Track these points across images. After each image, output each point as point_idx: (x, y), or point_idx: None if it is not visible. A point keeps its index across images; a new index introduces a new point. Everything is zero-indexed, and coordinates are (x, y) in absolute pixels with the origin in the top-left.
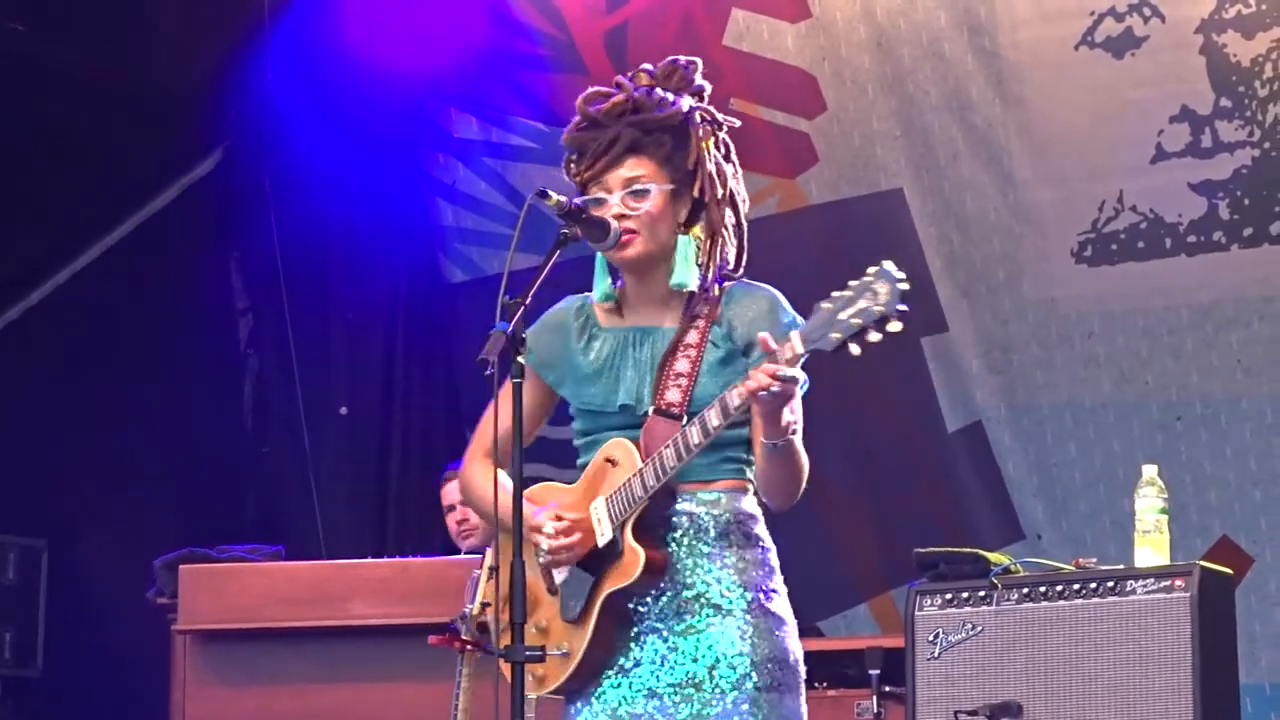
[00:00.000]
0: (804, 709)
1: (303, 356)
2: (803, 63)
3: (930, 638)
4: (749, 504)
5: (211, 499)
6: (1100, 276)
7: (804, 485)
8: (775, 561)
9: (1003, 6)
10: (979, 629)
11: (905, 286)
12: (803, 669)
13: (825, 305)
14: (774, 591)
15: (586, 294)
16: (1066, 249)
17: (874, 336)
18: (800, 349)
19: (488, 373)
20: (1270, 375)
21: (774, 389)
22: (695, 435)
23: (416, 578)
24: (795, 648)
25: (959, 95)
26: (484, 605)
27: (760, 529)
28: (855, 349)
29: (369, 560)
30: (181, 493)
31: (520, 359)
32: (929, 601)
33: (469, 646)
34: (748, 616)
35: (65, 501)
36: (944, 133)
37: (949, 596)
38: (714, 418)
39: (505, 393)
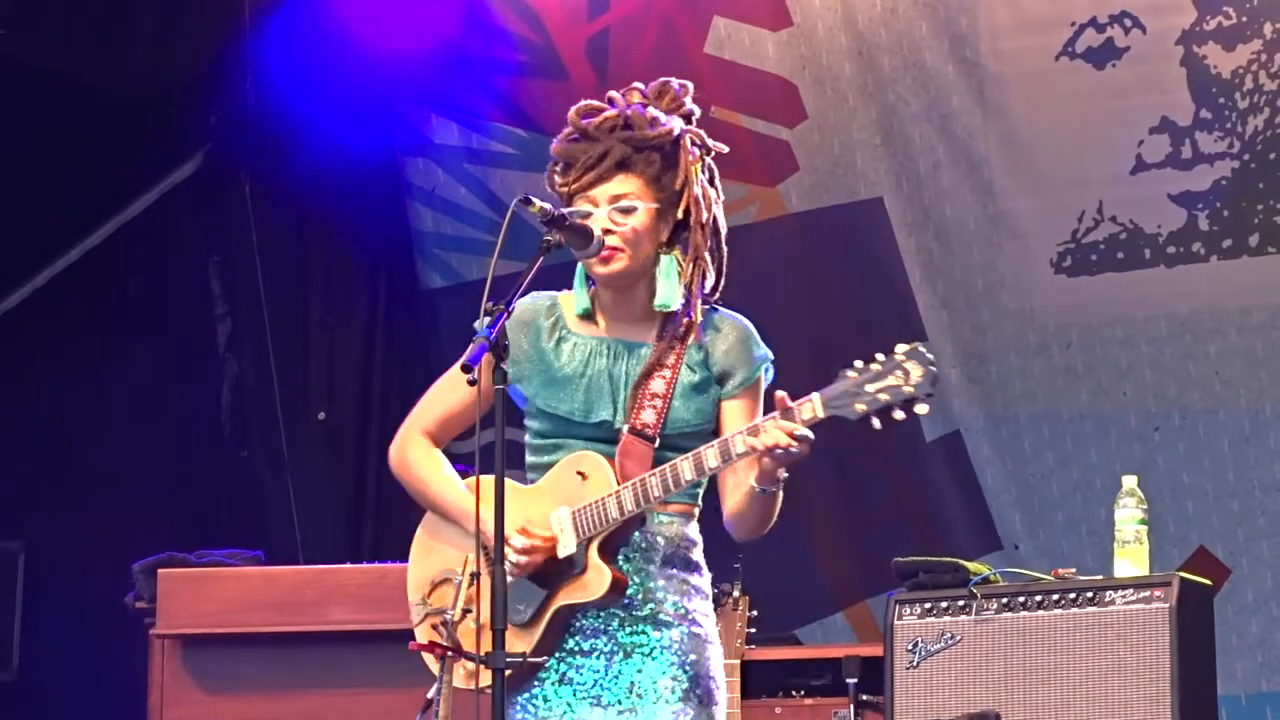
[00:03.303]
0: None
1: (281, 361)
2: (783, 71)
3: (909, 647)
4: (693, 530)
5: (189, 503)
6: (1079, 287)
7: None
8: (709, 588)
9: (984, 16)
10: (958, 638)
11: (936, 370)
12: (725, 689)
13: (851, 373)
14: (707, 615)
15: (552, 293)
16: (1046, 259)
17: (898, 415)
18: (821, 413)
19: (471, 379)
20: (1248, 387)
21: (793, 450)
22: (688, 472)
23: (395, 583)
24: (721, 668)
25: (939, 105)
26: (465, 611)
27: (699, 555)
28: (877, 423)
29: (347, 566)
30: (159, 497)
31: (504, 365)
32: (908, 610)
33: (450, 652)
34: (689, 635)
35: (42, 504)
36: (924, 142)
37: (928, 606)
38: (712, 459)
39: (458, 377)
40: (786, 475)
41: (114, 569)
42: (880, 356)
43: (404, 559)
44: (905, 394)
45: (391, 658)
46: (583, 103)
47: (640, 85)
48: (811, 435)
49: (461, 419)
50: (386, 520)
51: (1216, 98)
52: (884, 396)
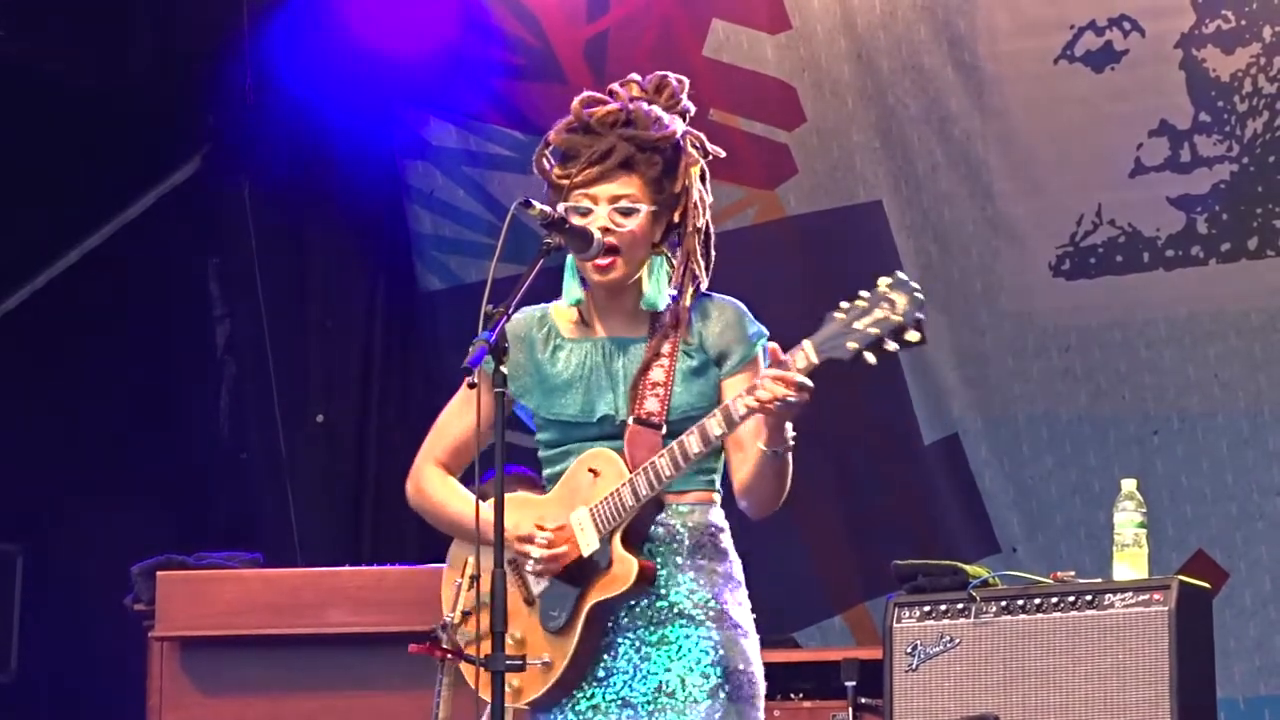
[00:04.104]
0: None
1: (279, 364)
2: (782, 74)
3: (908, 650)
4: (717, 516)
5: (188, 505)
6: (1078, 290)
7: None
8: (741, 574)
9: (983, 19)
10: (957, 641)
11: (921, 296)
12: (763, 682)
13: (838, 315)
14: (740, 604)
15: (544, 305)
16: (1044, 262)
17: (891, 346)
18: (814, 358)
19: (471, 382)
20: (1246, 390)
21: (791, 398)
22: (695, 445)
23: (393, 586)
24: (758, 660)
25: (938, 108)
26: (464, 614)
27: (727, 541)
28: (871, 358)
29: (346, 568)
30: (158, 499)
31: (503, 368)
32: (907, 613)
33: (449, 655)
34: (718, 628)
35: (41, 507)
36: (923, 145)
37: (927, 609)
38: (716, 427)
39: (468, 399)
40: (794, 436)
41: (113, 571)
42: (864, 293)
43: (402, 561)
44: (894, 324)
45: (390, 660)
46: (585, 93)
47: (638, 77)
48: (810, 383)
49: (471, 446)
50: (385, 523)
51: (1215, 101)
52: (874, 330)
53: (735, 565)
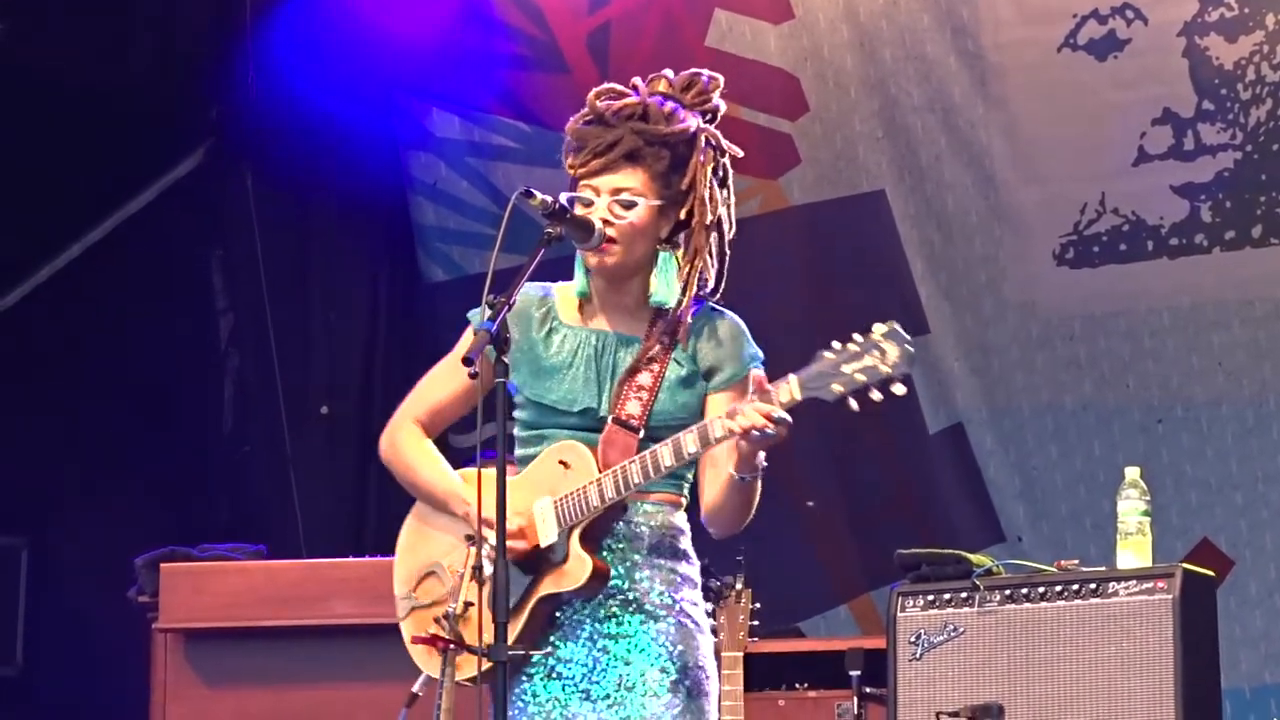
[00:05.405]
0: (715, 715)
1: (283, 356)
2: (785, 64)
3: (912, 639)
4: (680, 519)
5: (192, 498)
6: (1081, 279)
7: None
8: (698, 576)
9: (985, 8)
10: (961, 630)
11: (913, 350)
12: (716, 680)
13: (828, 355)
14: (695, 604)
15: (547, 284)
16: (1048, 251)
17: (876, 395)
18: (798, 395)
19: (472, 372)
20: (1251, 378)
21: (769, 431)
22: (668, 458)
23: None
24: (711, 658)
25: (941, 97)
26: (467, 605)
27: (687, 544)
28: (854, 404)
29: (350, 559)
30: (162, 491)
31: (505, 359)
32: (911, 602)
33: (452, 645)
34: (676, 624)
35: (45, 500)
36: (926, 134)
37: (931, 598)
38: (691, 444)
39: (456, 364)
40: (765, 464)
41: (117, 563)
42: (858, 337)
43: None
44: (881, 374)
45: (393, 652)
46: (604, 85)
47: (670, 74)
48: (789, 418)
49: (452, 410)
50: (389, 514)
51: (1219, 89)
52: (860, 377)
53: (693, 568)
